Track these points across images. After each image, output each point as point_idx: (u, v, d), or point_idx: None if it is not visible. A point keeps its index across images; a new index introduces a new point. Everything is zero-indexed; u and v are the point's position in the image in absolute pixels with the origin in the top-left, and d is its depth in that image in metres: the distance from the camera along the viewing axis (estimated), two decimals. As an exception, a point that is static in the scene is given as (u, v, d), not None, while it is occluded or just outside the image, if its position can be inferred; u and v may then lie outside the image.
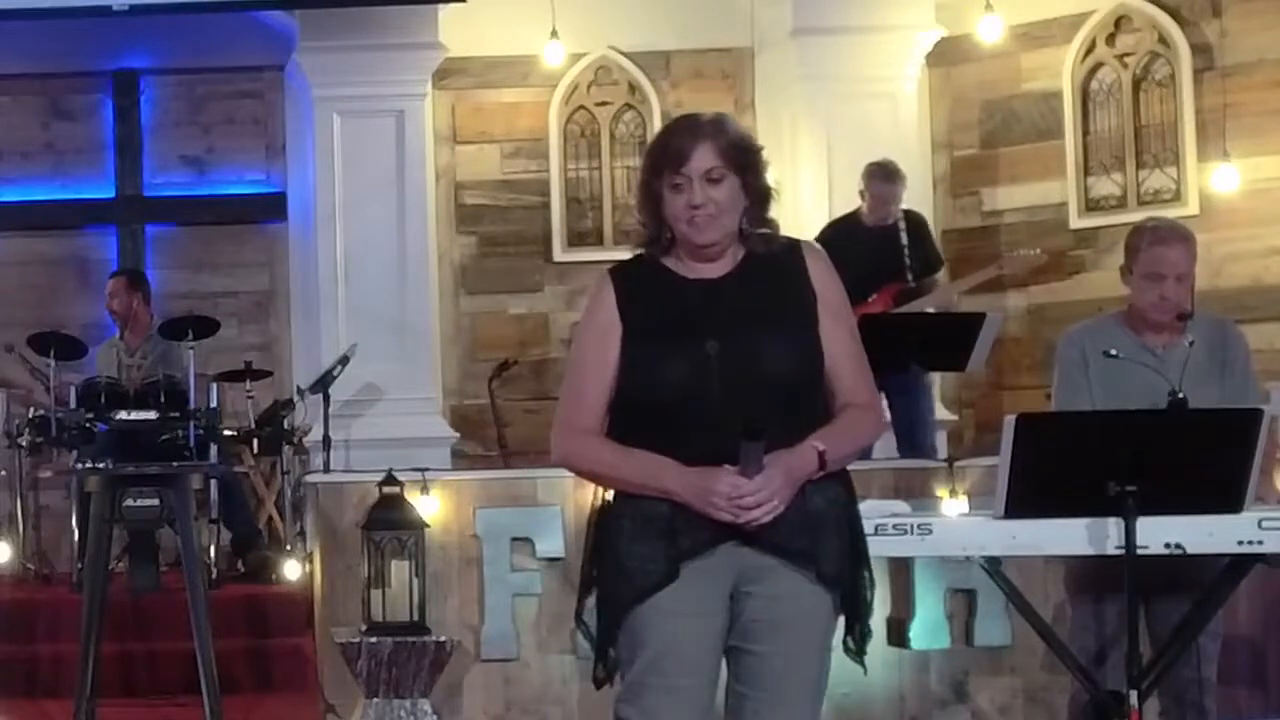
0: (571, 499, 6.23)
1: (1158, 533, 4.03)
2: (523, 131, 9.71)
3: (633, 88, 9.74)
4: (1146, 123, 9.09)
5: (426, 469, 6.55)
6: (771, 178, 3.42)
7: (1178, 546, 4.07)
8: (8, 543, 8.46)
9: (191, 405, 7.71)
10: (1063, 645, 4.46)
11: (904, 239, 7.85)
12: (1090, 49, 9.25)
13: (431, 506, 6.36)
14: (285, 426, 8.53)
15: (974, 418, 9.44)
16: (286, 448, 8.54)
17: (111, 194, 9.86)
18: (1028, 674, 6.33)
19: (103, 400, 7.79)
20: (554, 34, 9.35)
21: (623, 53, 9.71)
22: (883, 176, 7.85)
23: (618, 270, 3.47)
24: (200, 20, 9.23)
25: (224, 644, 6.45)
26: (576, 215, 9.73)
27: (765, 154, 3.42)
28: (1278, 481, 4.74)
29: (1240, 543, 4.10)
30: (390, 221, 9.19)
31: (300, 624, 7.36)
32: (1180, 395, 4.36)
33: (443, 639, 6.16)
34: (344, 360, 8.34)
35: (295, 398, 8.52)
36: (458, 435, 9.19)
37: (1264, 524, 4.08)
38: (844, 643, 3.44)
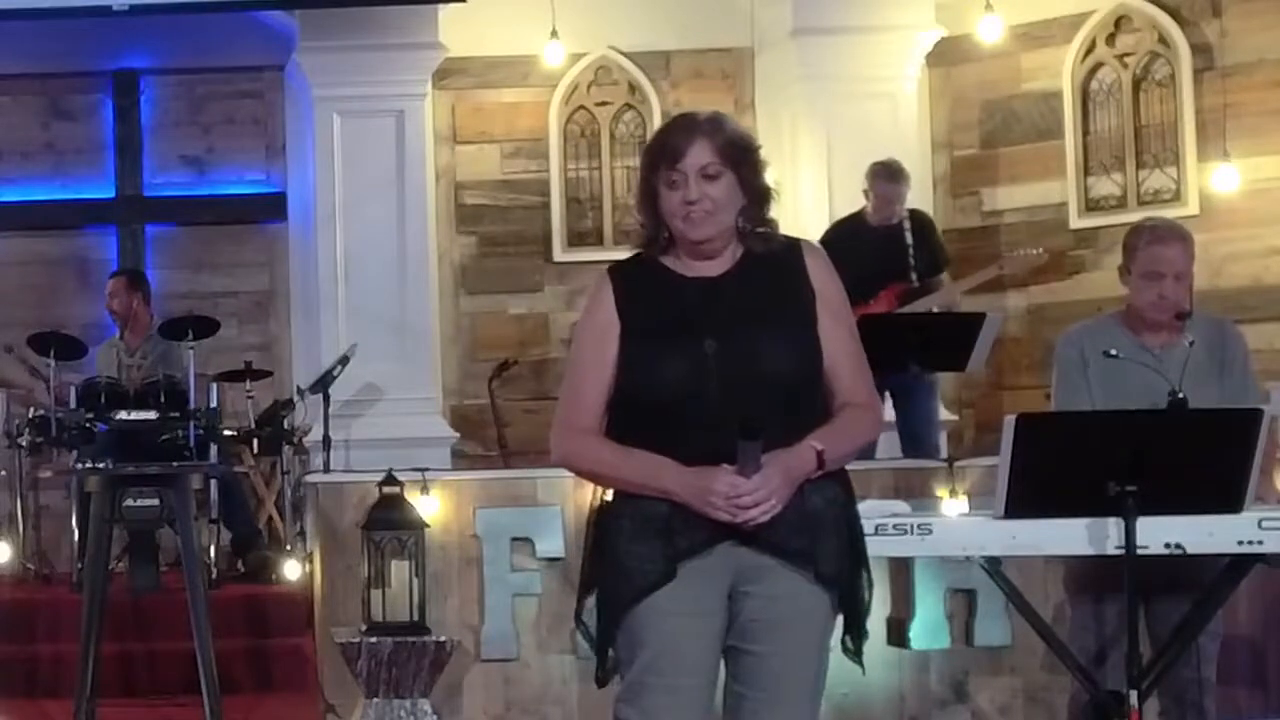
0: (571, 499, 6.23)
1: (1158, 533, 4.03)
2: (523, 131, 9.71)
3: (633, 88, 9.74)
4: (1146, 123, 9.08)
5: (426, 469, 6.54)
6: (771, 178, 3.42)
7: (1178, 546, 4.07)
8: (8, 543, 8.46)
9: (191, 405, 7.71)
10: (1063, 645, 4.46)
11: (909, 239, 7.84)
12: (1090, 49, 9.25)
13: (431, 506, 6.36)
14: (285, 426, 8.53)
15: (974, 418, 9.43)
16: (286, 448, 8.54)
17: (111, 194, 9.86)
18: (1028, 674, 6.33)
19: (103, 400, 7.79)
20: (554, 34, 9.35)
21: (623, 53, 9.71)
22: (887, 176, 7.85)
23: (616, 269, 3.47)
24: (200, 20, 9.23)
25: (224, 644, 6.45)
26: (576, 215, 9.73)
27: (764, 154, 3.42)
28: (1278, 481, 4.74)
29: (1240, 543, 4.09)
30: (390, 221, 9.19)
31: (300, 624, 7.36)
32: (1180, 395, 4.36)
33: (443, 639, 6.16)
34: (344, 360, 8.34)
35: (295, 398, 8.52)
36: (458, 435, 9.19)
37: (1264, 524, 4.08)
38: (842, 642, 3.44)
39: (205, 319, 8.25)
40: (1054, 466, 4.04)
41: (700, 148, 3.33)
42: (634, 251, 3.49)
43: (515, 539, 6.38)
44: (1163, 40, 9.02)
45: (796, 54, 9.24)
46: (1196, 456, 4.04)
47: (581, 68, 9.66)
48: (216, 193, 9.88)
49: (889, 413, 7.66)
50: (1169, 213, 7.88)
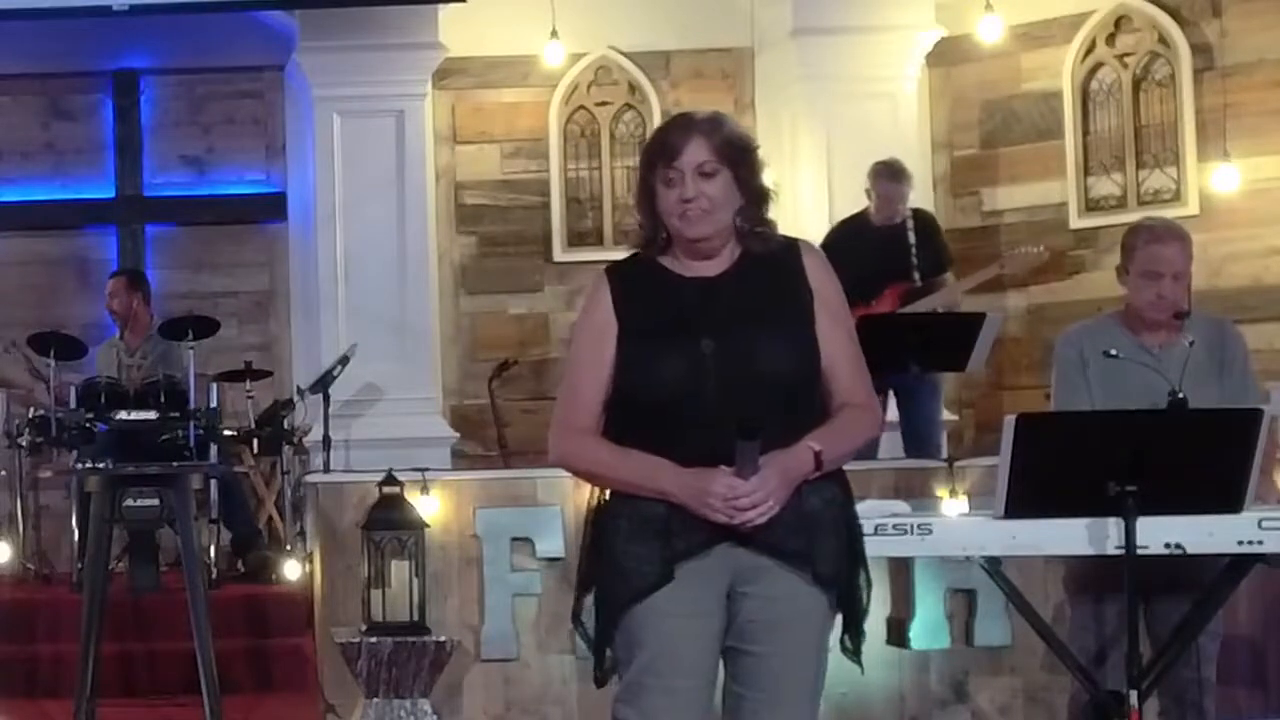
0: (571, 499, 6.23)
1: (1158, 533, 4.03)
2: (523, 131, 9.70)
3: (633, 88, 9.73)
4: (1146, 123, 9.08)
5: (426, 469, 6.54)
6: (770, 179, 3.42)
7: (1178, 546, 4.07)
8: (8, 543, 8.46)
9: (191, 405, 7.71)
10: (1063, 645, 4.46)
11: (912, 238, 7.84)
12: (1090, 49, 9.25)
13: (431, 506, 6.36)
14: (285, 426, 8.53)
15: (974, 418, 9.43)
16: (286, 448, 8.54)
17: (111, 194, 9.86)
18: (1028, 674, 6.33)
19: (103, 400, 7.79)
20: (554, 34, 9.34)
21: (623, 53, 9.71)
22: (889, 176, 7.85)
23: (614, 269, 3.47)
24: (200, 20, 9.23)
25: (224, 644, 6.45)
26: (576, 215, 9.73)
27: (764, 154, 3.42)
28: (1278, 481, 4.74)
29: (1240, 543, 4.10)
30: (390, 221, 9.19)
31: (300, 624, 7.36)
32: (1180, 395, 4.36)
33: (443, 639, 6.16)
34: (344, 360, 8.34)
35: (295, 398, 8.52)
36: (458, 435, 9.19)
37: (1264, 524, 4.08)
38: (841, 642, 3.44)
39: (205, 319, 8.25)
40: (1054, 466, 4.04)
41: (697, 145, 3.33)
42: (632, 251, 3.49)
43: (515, 539, 6.38)
44: (1163, 40, 9.02)
45: (796, 54, 9.24)
46: (1196, 456, 4.04)
47: (581, 68, 9.66)
48: (216, 193, 9.88)
49: (892, 412, 7.68)
50: (1169, 213, 7.88)
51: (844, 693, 5.97)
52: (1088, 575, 4.52)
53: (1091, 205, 9.23)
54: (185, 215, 9.90)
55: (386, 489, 6.24)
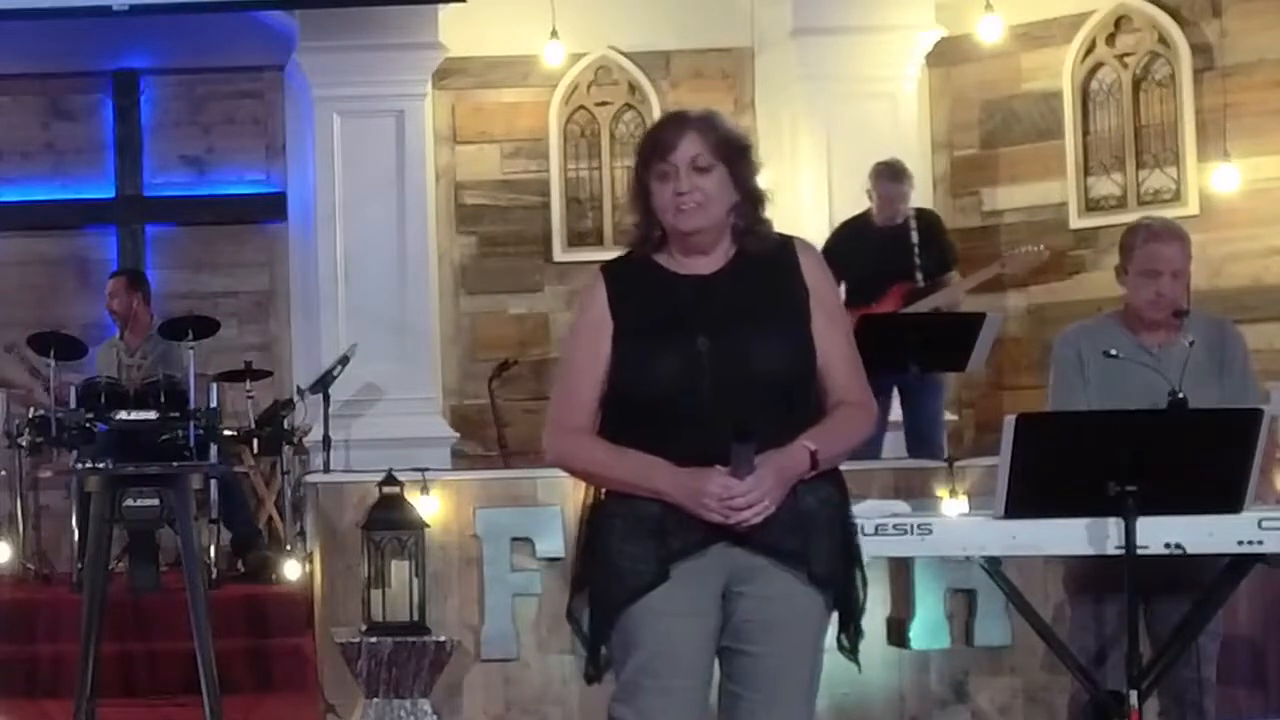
0: (571, 499, 6.20)
1: (1158, 533, 4.03)
2: (523, 131, 9.70)
3: (633, 88, 9.73)
4: (1146, 123, 9.08)
5: (426, 469, 6.54)
6: (765, 179, 3.41)
7: (1178, 546, 4.07)
8: (8, 543, 8.46)
9: (191, 405, 7.71)
10: (1063, 645, 4.46)
11: (914, 238, 7.83)
12: (1090, 49, 9.24)
13: (431, 506, 6.36)
14: (285, 426, 8.53)
15: (974, 418, 9.43)
16: (286, 448, 8.54)
17: (111, 194, 9.86)
18: (1028, 674, 6.33)
19: (103, 400, 7.79)
20: (554, 34, 9.34)
21: (623, 53, 9.71)
22: (890, 176, 7.85)
23: (609, 268, 3.47)
24: (200, 20, 9.23)
25: (224, 644, 6.45)
26: (576, 215, 9.73)
27: (764, 154, 3.43)
28: (1278, 481, 4.74)
29: (1240, 543, 4.10)
30: (390, 221, 9.19)
31: (300, 624, 7.36)
32: (1180, 395, 4.36)
33: (443, 639, 6.16)
34: (344, 360, 8.34)
35: (295, 398, 8.52)
36: (458, 435, 9.19)
37: (1264, 524, 4.08)
38: (838, 641, 3.43)
39: (205, 319, 8.25)
40: (1054, 466, 4.04)
41: (691, 140, 3.33)
42: (626, 250, 3.49)
43: (515, 539, 6.38)
44: (1163, 40, 9.02)
45: (796, 54, 9.24)
46: (1196, 456, 4.04)
47: (581, 68, 9.66)
48: (216, 193, 9.88)
49: (895, 412, 7.68)
50: (1169, 213, 7.87)
51: (844, 693, 5.97)
52: (1088, 575, 4.52)
53: (1091, 205, 9.23)
54: (185, 215, 9.90)
55: (386, 489, 6.24)
